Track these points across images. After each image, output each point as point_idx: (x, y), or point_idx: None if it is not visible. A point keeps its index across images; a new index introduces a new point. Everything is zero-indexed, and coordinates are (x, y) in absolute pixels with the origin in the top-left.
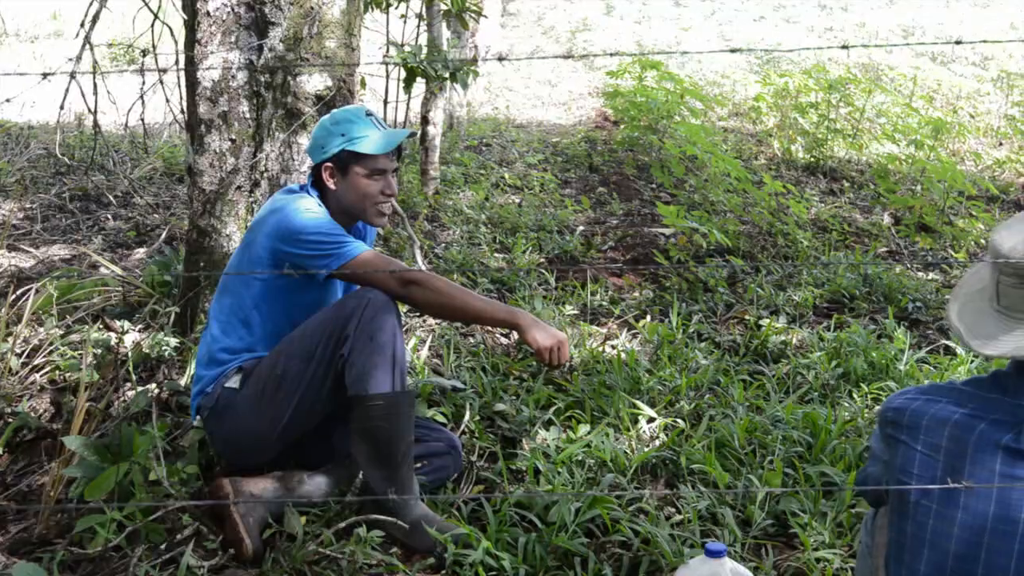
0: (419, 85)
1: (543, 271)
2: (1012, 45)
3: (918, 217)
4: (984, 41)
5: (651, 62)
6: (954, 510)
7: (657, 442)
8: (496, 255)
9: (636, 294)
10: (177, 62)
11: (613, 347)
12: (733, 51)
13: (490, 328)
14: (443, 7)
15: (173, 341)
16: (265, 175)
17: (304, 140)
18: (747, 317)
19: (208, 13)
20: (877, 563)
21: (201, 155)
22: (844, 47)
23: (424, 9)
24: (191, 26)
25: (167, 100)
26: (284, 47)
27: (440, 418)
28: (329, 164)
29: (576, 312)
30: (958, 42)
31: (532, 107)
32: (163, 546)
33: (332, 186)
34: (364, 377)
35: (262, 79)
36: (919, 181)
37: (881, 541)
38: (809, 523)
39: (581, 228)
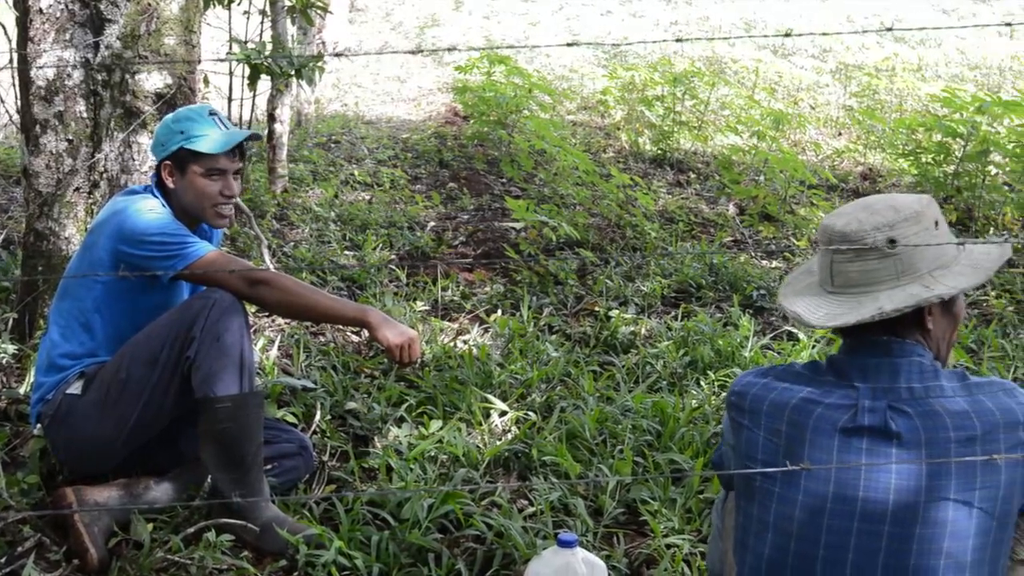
0: (266, 82)
1: (394, 268)
2: (850, 38)
3: (761, 207)
4: (813, 33)
5: (499, 57)
6: (795, 492)
7: (509, 435)
8: (346, 253)
9: (487, 289)
10: (11, 61)
11: (465, 342)
12: (569, 45)
13: (341, 327)
14: (287, 3)
15: (11, 348)
16: (104, 176)
17: (145, 139)
18: (597, 309)
19: (40, 10)
20: (727, 546)
21: (37, 156)
22: (679, 40)
23: (268, 5)
24: (23, 24)
25: (1, 101)
26: (121, 44)
27: (290, 418)
28: (168, 162)
29: (427, 308)
30: (787, 34)
31: (381, 103)
32: (3, 559)
33: (171, 185)
34: (211, 379)
35: (99, 77)
36: (762, 171)
37: (730, 524)
38: (659, 510)
39: (432, 224)
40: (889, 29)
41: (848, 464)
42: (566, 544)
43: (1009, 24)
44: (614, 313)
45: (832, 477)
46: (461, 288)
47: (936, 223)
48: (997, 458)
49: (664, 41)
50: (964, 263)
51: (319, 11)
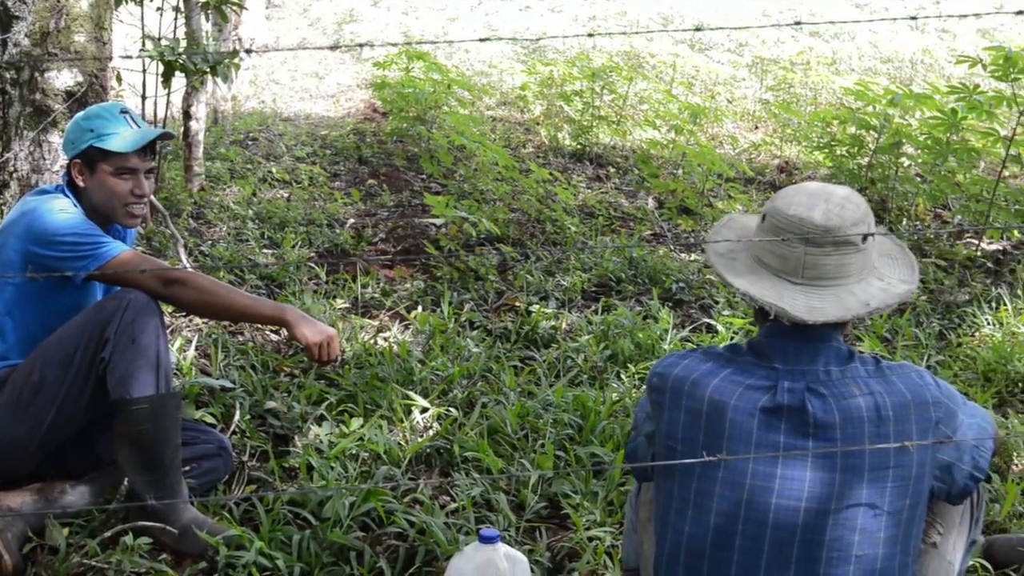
0: (181, 80)
1: (313, 265)
2: (765, 32)
3: (680, 200)
4: (724, 28)
5: (418, 53)
6: (715, 470)
7: (431, 432)
8: (264, 251)
9: (408, 285)
10: None
11: (385, 339)
12: (482, 40)
13: (259, 325)
14: None
15: None
16: (14, 176)
17: (56, 138)
18: (518, 304)
19: None
20: (642, 538)
21: None
22: (591, 35)
23: (181, 1)
24: None
25: None
26: (30, 42)
27: (209, 419)
28: (78, 161)
29: (347, 306)
30: (698, 28)
31: (300, 100)
32: None
33: (82, 184)
34: (126, 380)
35: (7, 76)
36: (680, 165)
37: (645, 517)
38: (581, 503)
39: (351, 221)
40: (798, 23)
41: (766, 453)
42: (487, 540)
43: (915, 18)
44: (535, 308)
45: (752, 456)
46: (381, 285)
47: None
48: (908, 445)
49: (577, 36)
50: (880, 254)
51: (234, 7)
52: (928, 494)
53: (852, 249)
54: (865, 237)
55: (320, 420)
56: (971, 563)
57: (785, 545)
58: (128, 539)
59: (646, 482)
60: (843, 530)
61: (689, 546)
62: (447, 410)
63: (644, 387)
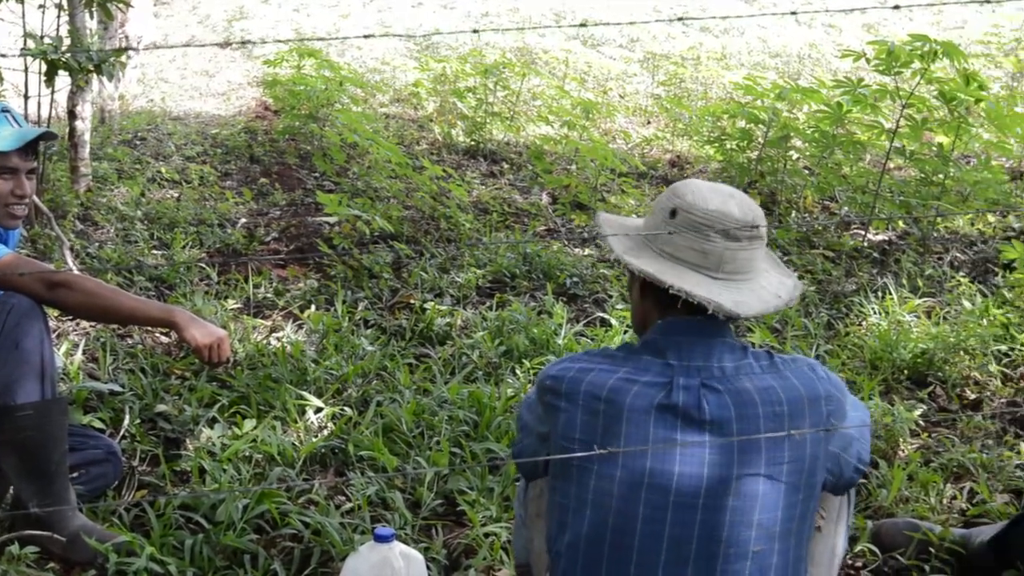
0: (66, 79)
1: (204, 266)
2: (657, 27)
3: (573, 195)
4: (608, 23)
5: (309, 50)
6: (613, 469)
7: (325, 431)
8: (154, 252)
9: (301, 284)
10: None
11: (278, 339)
12: (366, 37)
13: (148, 328)
14: None
15: None
16: None
17: None
18: (412, 301)
19: None
20: (532, 534)
21: None
22: (475, 31)
23: None
24: None
25: None
26: None
27: (98, 424)
28: None
29: (240, 306)
30: (583, 24)
31: (190, 99)
32: None
33: None
34: (10, 387)
35: None
36: (573, 161)
37: (534, 512)
38: (477, 500)
39: (243, 220)
40: (680, 19)
41: (660, 445)
42: (383, 538)
43: (795, 13)
44: (429, 305)
45: (649, 453)
46: (274, 285)
47: None
48: (796, 433)
49: (463, 32)
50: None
51: (120, 5)
52: (821, 485)
53: (760, 243)
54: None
55: (212, 422)
56: (860, 548)
57: (683, 543)
58: (14, 549)
59: (534, 480)
60: (740, 526)
61: (587, 546)
62: (341, 409)
63: (534, 389)
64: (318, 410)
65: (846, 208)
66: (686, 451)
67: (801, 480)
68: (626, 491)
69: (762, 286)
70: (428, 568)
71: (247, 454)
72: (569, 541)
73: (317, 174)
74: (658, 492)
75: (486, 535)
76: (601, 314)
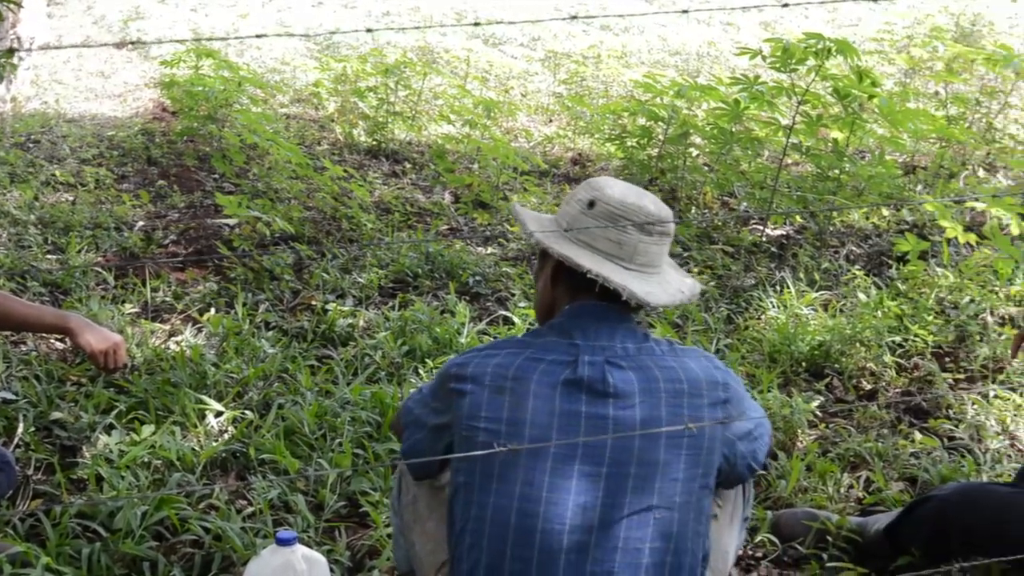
0: None
1: (100, 270)
2: (558, 26)
3: (475, 194)
4: (500, 22)
5: (207, 50)
6: (520, 442)
7: (226, 435)
8: (48, 257)
9: (200, 287)
10: None
11: (177, 343)
12: (257, 36)
13: (44, 334)
14: None
15: None
16: None
17: None
18: (314, 302)
19: None
20: (412, 539)
21: None
22: (368, 31)
23: None
24: None
25: None
26: None
27: None
28: None
29: (137, 310)
30: (476, 24)
31: (85, 100)
32: None
33: None
34: None
35: None
36: (475, 159)
37: (411, 519)
38: (380, 501)
39: (141, 223)
40: (575, 18)
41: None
42: (284, 542)
43: (686, 11)
44: (331, 306)
45: (555, 425)
46: (173, 288)
47: None
48: (693, 427)
49: (355, 32)
50: None
51: (10, 5)
52: (717, 469)
53: (668, 240)
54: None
55: (109, 429)
56: (759, 538)
57: (587, 509)
58: None
59: (424, 479)
60: (642, 493)
61: (495, 519)
62: (242, 413)
63: (429, 383)
64: (218, 414)
65: (745, 204)
66: (591, 423)
67: (700, 456)
68: (533, 463)
69: (668, 280)
70: (331, 570)
71: (146, 460)
72: (475, 516)
73: (216, 176)
74: (564, 461)
75: (389, 536)
76: (504, 312)
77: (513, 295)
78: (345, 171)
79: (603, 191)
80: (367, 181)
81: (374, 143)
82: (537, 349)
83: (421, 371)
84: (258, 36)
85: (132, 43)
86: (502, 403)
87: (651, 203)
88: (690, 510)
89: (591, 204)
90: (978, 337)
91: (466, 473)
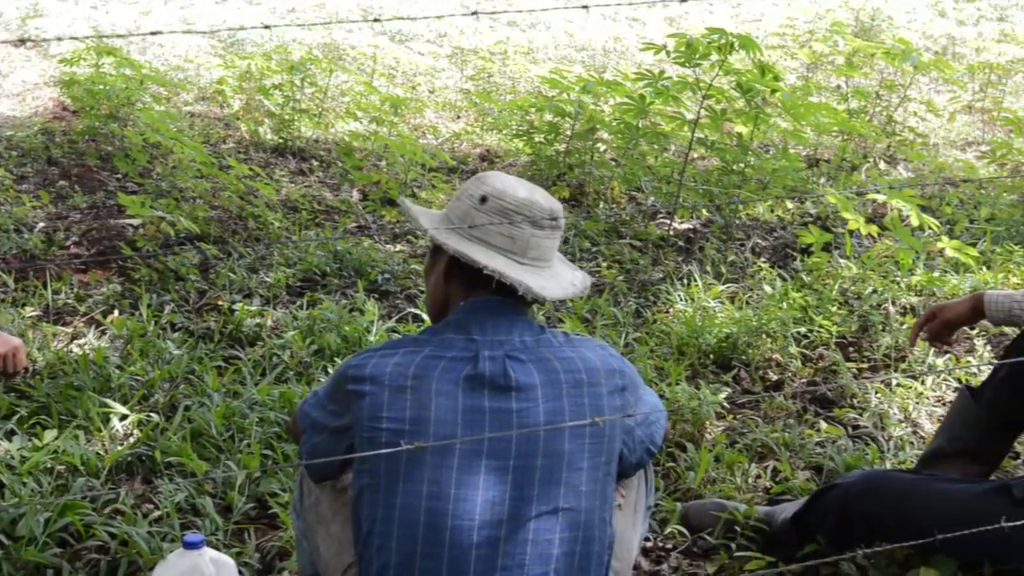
0: None
1: None
2: (464, 22)
3: (383, 192)
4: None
5: (108, 48)
6: (426, 441)
7: (131, 439)
8: None
9: (104, 289)
10: None
11: (80, 346)
12: (153, 33)
13: None
14: None
15: None
16: None
17: None
18: (221, 303)
19: None
20: (316, 542)
21: None
22: (266, 27)
23: None
24: None
25: None
26: None
27: None
28: None
29: (39, 313)
30: (376, 20)
31: None
32: None
33: None
34: None
35: None
36: (383, 157)
37: (314, 520)
38: (289, 502)
39: (41, 224)
40: (474, 13)
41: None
42: (192, 545)
43: (586, 7)
44: (238, 306)
45: (460, 422)
46: (75, 290)
47: None
48: (599, 420)
49: (252, 28)
50: None
51: None
52: (618, 456)
53: (558, 234)
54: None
55: (10, 435)
56: (669, 530)
57: (496, 503)
58: None
59: (325, 481)
60: (549, 484)
61: (403, 517)
62: (148, 416)
63: (326, 385)
64: (123, 417)
65: (652, 198)
66: (495, 418)
67: (603, 443)
68: (439, 461)
69: (560, 274)
70: (241, 573)
71: (48, 466)
72: (383, 516)
73: (119, 175)
74: (470, 457)
75: None
76: (413, 310)
77: (422, 292)
78: (251, 169)
79: (494, 186)
80: (274, 179)
81: (280, 141)
82: (435, 347)
83: (330, 370)
84: (152, 33)
85: (31, 41)
86: (404, 403)
87: (542, 198)
88: (596, 498)
89: (483, 200)
90: (881, 327)
91: (370, 475)
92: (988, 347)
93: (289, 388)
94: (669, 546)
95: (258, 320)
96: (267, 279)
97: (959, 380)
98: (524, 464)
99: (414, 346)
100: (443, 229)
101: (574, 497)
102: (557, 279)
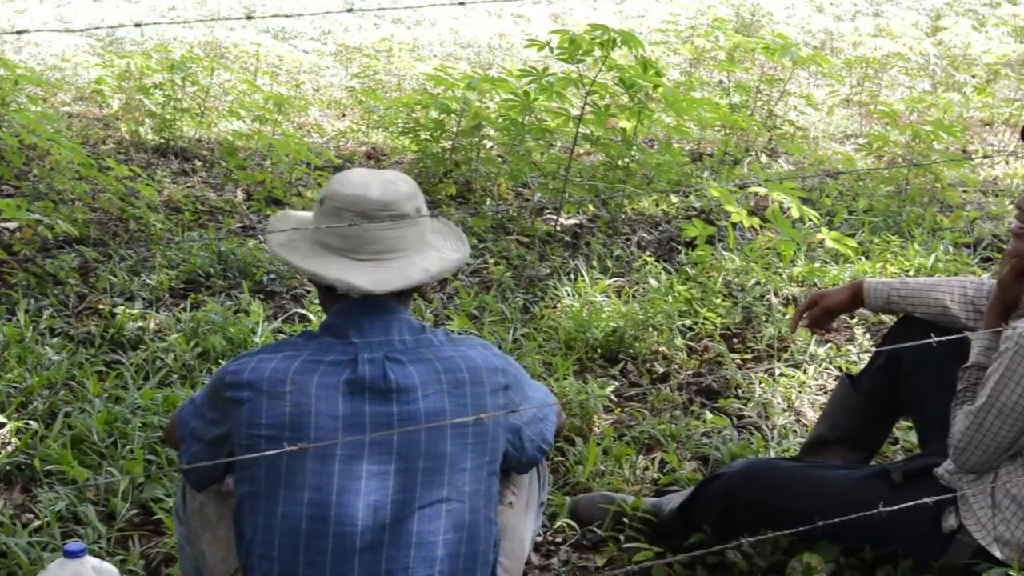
0: None
1: None
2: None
3: (268, 191)
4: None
5: None
6: (303, 452)
7: (9, 447)
8: None
9: None
10: None
11: None
12: (19, 33)
13: None
14: None
15: None
16: None
17: None
18: (102, 306)
19: None
20: (201, 548)
21: None
22: (137, 24)
23: None
24: None
25: None
26: None
27: None
28: None
29: None
30: (249, 17)
31: None
32: None
33: None
34: None
35: None
36: (267, 156)
37: (198, 526)
38: (174, 507)
39: None
40: (350, 10)
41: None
42: (73, 554)
43: (463, 3)
44: (120, 309)
45: (340, 428)
46: None
47: None
48: (484, 416)
49: (122, 26)
50: (432, 232)
51: None
52: (503, 455)
53: (408, 222)
54: (419, 209)
55: None
56: (559, 524)
57: (379, 507)
58: None
59: (206, 488)
60: (432, 486)
61: (285, 524)
62: (27, 423)
63: (202, 392)
64: (1, 426)
65: (539, 194)
66: (376, 421)
67: (486, 444)
68: (320, 466)
69: (412, 263)
70: None
71: None
72: (264, 524)
73: None
74: (351, 462)
75: None
76: (299, 310)
77: (308, 291)
78: (131, 170)
79: (331, 187)
80: (155, 180)
81: (162, 141)
82: (314, 351)
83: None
84: (24, 32)
85: None
86: (283, 409)
87: (377, 189)
88: (480, 498)
89: (322, 202)
90: (764, 318)
91: (250, 483)
92: (867, 335)
93: (173, 392)
94: (559, 540)
95: (140, 323)
96: (149, 281)
97: (839, 368)
98: (406, 467)
99: (292, 351)
100: (284, 242)
101: (458, 498)
102: (405, 269)
